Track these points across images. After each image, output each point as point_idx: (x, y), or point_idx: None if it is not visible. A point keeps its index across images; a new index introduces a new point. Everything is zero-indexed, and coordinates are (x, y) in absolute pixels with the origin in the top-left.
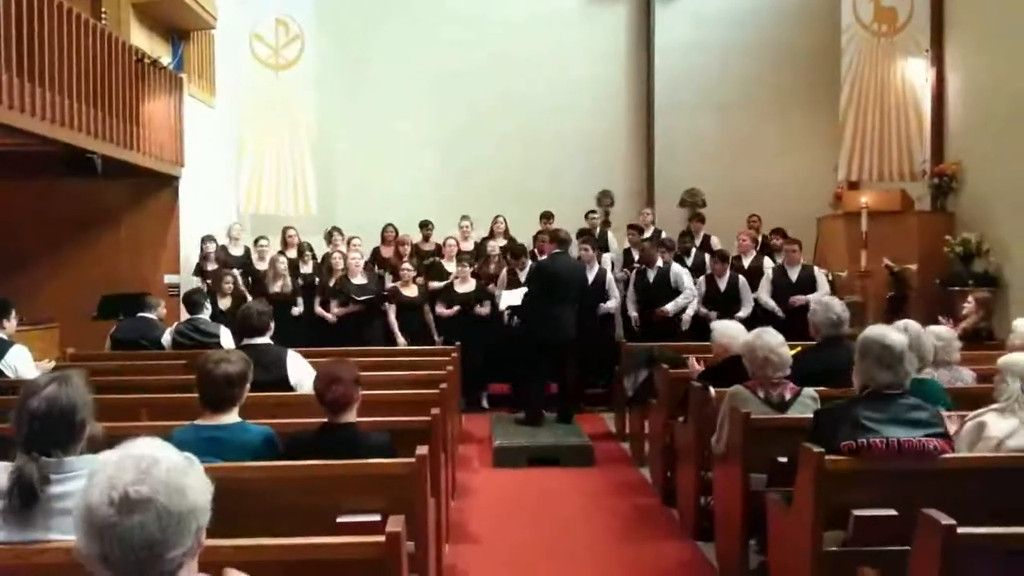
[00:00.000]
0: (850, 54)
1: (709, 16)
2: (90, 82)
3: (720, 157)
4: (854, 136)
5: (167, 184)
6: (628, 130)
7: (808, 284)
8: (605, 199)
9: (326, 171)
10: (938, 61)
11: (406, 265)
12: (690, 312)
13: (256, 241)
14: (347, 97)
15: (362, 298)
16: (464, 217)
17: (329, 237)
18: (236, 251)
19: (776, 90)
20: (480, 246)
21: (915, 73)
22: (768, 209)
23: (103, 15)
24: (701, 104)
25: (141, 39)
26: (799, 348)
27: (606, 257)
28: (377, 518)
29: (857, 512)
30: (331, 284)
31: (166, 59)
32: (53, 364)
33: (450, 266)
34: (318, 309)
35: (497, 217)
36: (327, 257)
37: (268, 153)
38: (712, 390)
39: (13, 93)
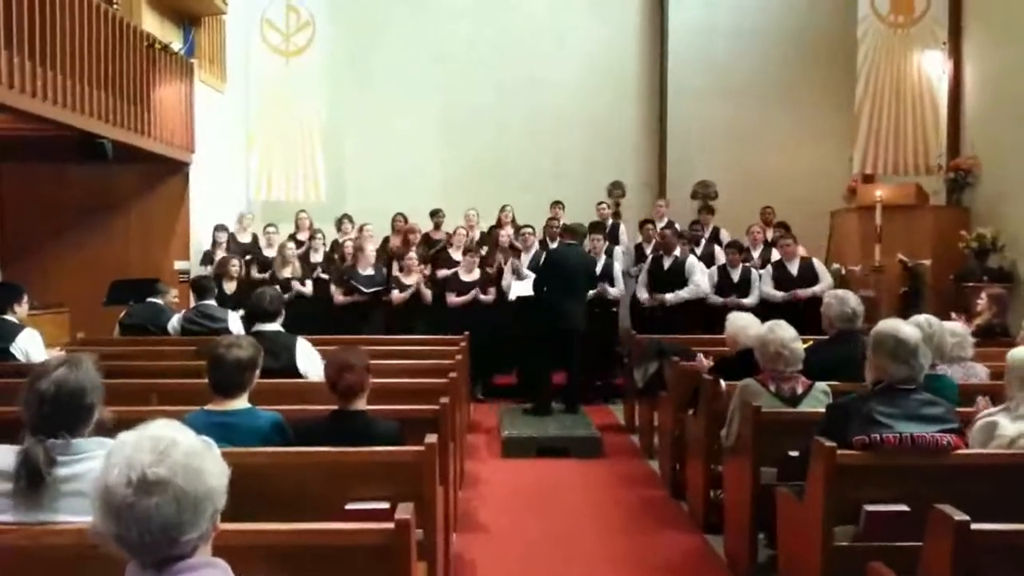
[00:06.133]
0: (866, 45)
1: (723, 1)
2: (101, 67)
3: (732, 148)
4: (869, 128)
5: (177, 170)
6: (640, 119)
7: (809, 277)
8: (616, 190)
9: (335, 158)
10: (955, 53)
11: (411, 254)
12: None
13: (265, 228)
14: (356, 84)
15: (370, 290)
16: (471, 208)
17: (339, 225)
18: (244, 238)
19: (790, 80)
20: (486, 236)
21: (932, 65)
22: (781, 202)
23: (114, 0)
24: (714, 92)
25: (152, 24)
26: (811, 342)
27: (617, 250)
28: (386, 506)
29: (869, 507)
30: (335, 272)
31: (177, 45)
32: (63, 352)
33: (457, 256)
34: (336, 296)
35: (504, 207)
36: (337, 245)
37: (278, 140)
38: (723, 383)
39: (24, 77)
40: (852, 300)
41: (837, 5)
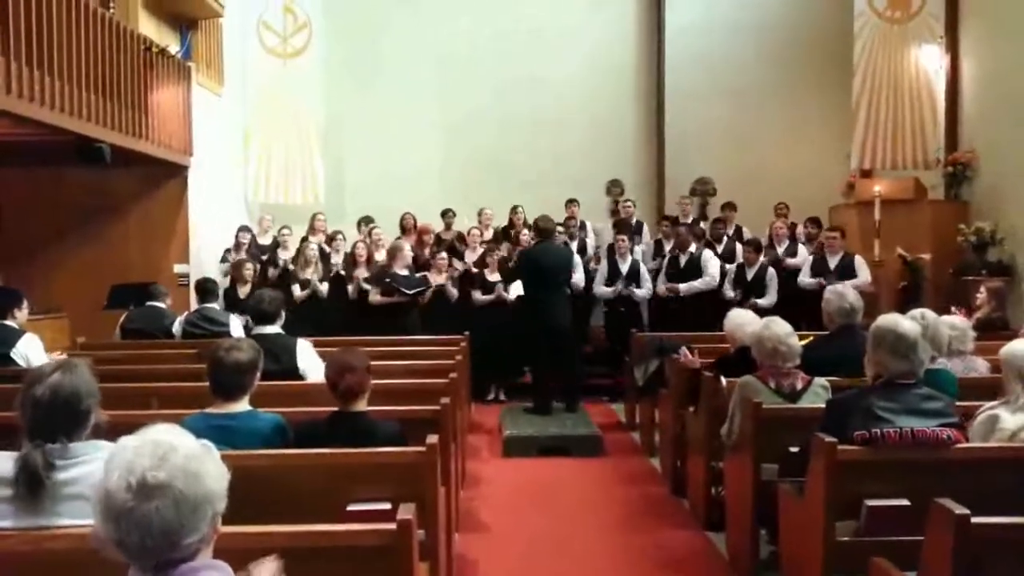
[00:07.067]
0: (863, 40)
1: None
2: (99, 71)
3: (730, 145)
4: (867, 124)
5: (176, 173)
6: (638, 117)
7: (849, 273)
8: (615, 188)
9: (334, 160)
10: (952, 48)
11: (442, 254)
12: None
13: (280, 230)
14: (354, 85)
15: (412, 291)
16: (483, 208)
17: (359, 227)
18: (265, 241)
19: (787, 77)
20: (500, 235)
21: (929, 60)
22: (780, 198)
23: (111, 4)
24: (711, 90)
25: (149, 28)
26: (811, 338)
27: (638, 249)
28: (387, 506)
29: (870, 502)
30: (371, 273)
31: (174, 48)
32: (65, 355)
33: (470, 256)
34: (373, 295)
35: (516, 207)
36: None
37: (276, 142)
38: (723, 380)
39: (22, 82)
40: (850, 295)
41: (833, 1)
